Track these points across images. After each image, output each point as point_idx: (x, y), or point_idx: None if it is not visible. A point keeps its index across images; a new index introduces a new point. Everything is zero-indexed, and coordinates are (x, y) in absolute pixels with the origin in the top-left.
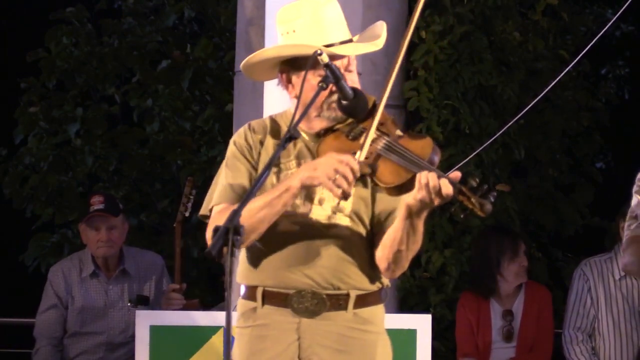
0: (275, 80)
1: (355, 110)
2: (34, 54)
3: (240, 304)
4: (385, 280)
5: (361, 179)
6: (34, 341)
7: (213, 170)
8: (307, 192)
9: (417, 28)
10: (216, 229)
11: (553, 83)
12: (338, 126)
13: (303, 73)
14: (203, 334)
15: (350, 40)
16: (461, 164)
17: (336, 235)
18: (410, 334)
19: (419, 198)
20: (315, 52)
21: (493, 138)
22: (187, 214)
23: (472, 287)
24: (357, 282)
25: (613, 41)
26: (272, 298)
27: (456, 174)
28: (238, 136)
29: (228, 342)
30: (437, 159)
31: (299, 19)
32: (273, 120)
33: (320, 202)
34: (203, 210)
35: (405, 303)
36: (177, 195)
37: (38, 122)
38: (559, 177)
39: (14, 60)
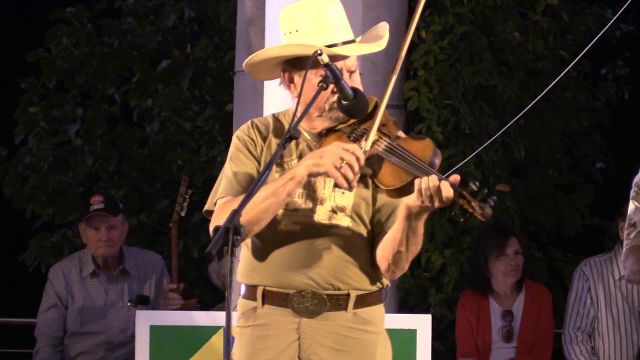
0: (276, 80)
1: (355, 110)
2: (34, 54)
3: (240, 304)
4: (386, 281)
5: (362, 180)
6: (35, 341)
7: (213, 170)
8: (309, 191)
9: (417, 28)
10: (216, 229)
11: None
12: (340, 126)
13: (304, 72)
14: (203, 334)
15: (353, 41)
16: (461, 164)
17: (337, 236)
18: (410, 334)
19: (419, 202)
20: (315, 52)
21: (493, 138)
22: (183, 214)
23: (471, 285)
24: (358, 282)
25: (613, 41)
26: (273, 298)
27: (455, 177)
28: (241, 131)
29: (228, 342)
30: (437, 161)
31: (302, 18)
32: (276, 119)
33: (322, 202)
34: (208, 206)
35: (405, 303)
36: (177, 195)
37: (38, 122)
38: (559, 177)
39: (14, 60)
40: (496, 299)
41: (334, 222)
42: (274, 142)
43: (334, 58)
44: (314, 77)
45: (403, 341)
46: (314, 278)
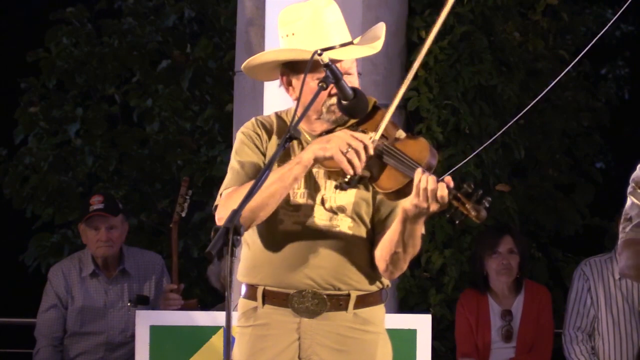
0: (276, 81)
1: (355, 110)
2: (34, 54)
3: (241, 304)
4: (386, 281)
5: (362, 182)
6: (35, 341)
7: (213, 170)
8: (310, 192)
9: (416, 28)
10: (216, 229)
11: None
12: (339, 128)
13: (302, 76)
14: (203, 334)
15: (351, 43)
16: (461, 164)
17: (337, 236)
18: (410, 334)
19: (415, 203)
20: (315, 52)
21: (493, 138)
22: (183, 214)
23: (470, 284)
24: (358, 282)
25: (613, 41)
26: (273, 298)
27: (448, 180)
28: (246, 127)
29: (228, 342)
30: (434, 162)
31: (299, 21)
32: (279, 117)
33: (323, 203)
34: (217, 201)
35: (405, 303)
36: (177, 195)
37: (38, 122)
38: (559, 177)
39: (14, 60)
40: (495, 298)
41: (334, 222)
42: (276, 140)
43: (331, 60)
44: (312, 81)
45: (403, 341)
46: (315, 278)
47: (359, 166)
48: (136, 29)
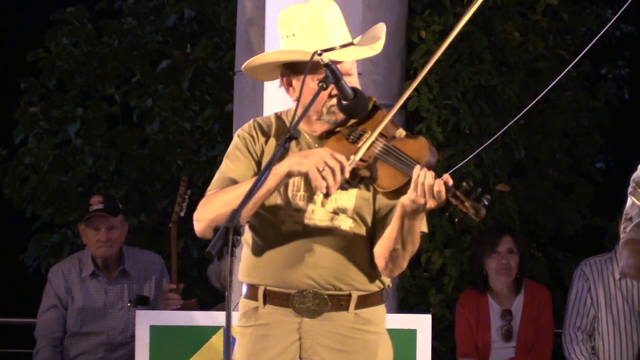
0: (276, 80)
1: (355, 110)
2: (34, 54)
3: (241, 304)
4: (387, 281)
5: (362, 182)
6: (35, 341)
7: (213, 170)
8: (310, 193)
9: (416, 28)
10: (216, 229)
11: (553, 83)
12: (339, 128)
13: (303, 77)
14: (203, 334)
15: (351, 43)
16: (461, 164)
17: (338, 236)
18: (410, 334)
19: (413, 198)
20: (315, 52)
21: (493, 138)
22: (182, 214)
23: (470, 284)
24: (359, 283)
25: (613, 41)
26: (274, 298)
27: (447, 177)
28: (242, 130)
29: (228, 342)
30: (433, 160)
31: (299, 22)
32: (279, 118)
33: (323, 204)
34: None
35: (405, 303)
36: (177, 196)
37: (38, 122)
38: (559, 177)
39: (14, 60)
40: (495, 298)
41: (335, 223)
42: (275, 141)
43: (330, 62)
44: (311, 82)
45: (403, 341)
46: (315, 278)
47: (333, 186)
48: (136, 29)
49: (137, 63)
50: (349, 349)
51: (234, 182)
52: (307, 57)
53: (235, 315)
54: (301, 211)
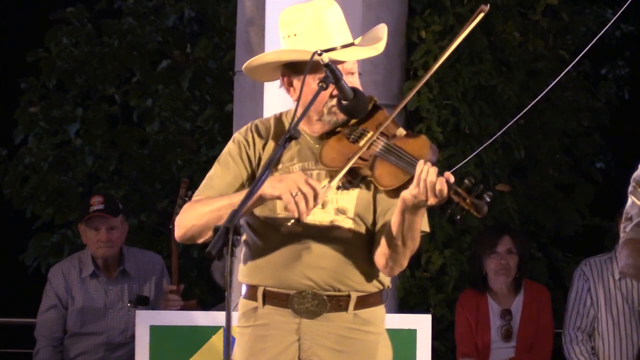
0: (276, 81)
1: (355, 110)
2: (34, 54)
3: (241, 304)
4: (387, 281)
5: (363, 181)
6: (35, 341)
7: None
8: None
9: (416, 28)
10: (216, 229)
11: (553, 83)
12: (339, 128)
13: (303, 77)
14: (203, 334)
15: (352, 44)
16: (461, 164)
17: (338, 237)
18: (410, 334)
19: (414, 193)
20: (315, 52)
21: (493, 138)
22: None
23: (470, 284)
24: (358, 284)
25: (613, 41)
26: (273, 298)
27: (449, 174)
28: (239, 133)
29: (228, 342)
30: (434, 158)
31: (300, 22)
32: (278, 120)
33: (324, 205)
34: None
35: (405, 303)
36: (177, 195)
37: (38, 122)
38: (559, 177)
39: (14, 60)
40: (495, 298)
41: (336, 224)
42: (274, 144)
43: (332, 62)
44: (312, 81)
45: (403, 341)
46: (314, 279)
47: (304, 212)
48: (136, 29)
49: (137, 63)
50: (348, 350)
51: (216, 190)
52: (308, 57)
53: (235, 316)
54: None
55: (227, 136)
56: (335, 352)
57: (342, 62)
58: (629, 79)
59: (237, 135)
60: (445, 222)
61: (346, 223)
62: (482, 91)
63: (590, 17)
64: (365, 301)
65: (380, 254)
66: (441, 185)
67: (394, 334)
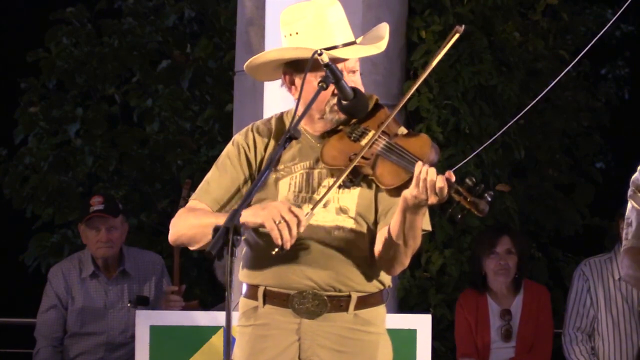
0: (277, 80)
1: (356, 109)
2: (34, 54)
3: (241, 303)
4: (387, 281)
5: (365, 180)
6: (35, 341)
7: None
8: (311, 194)
9: (416, 28)
10: (216, 229)
11: (553, 83)
12: (341, 127)
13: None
14: (203, 334)
15: (354, 42)
16: (461, 164)
17: (339, 237)
18: (410, 334)
19: (415, 193)
20: (315, 52)
21: (493, 138)
22: None
23: (469, 284)
24: (359, 284)
25: (613, 41)
26: (273, 298)
27: (450, 173)
28: (240, 135)
29: (228, 342)
30: (435, 157)
31: (302, 20)
32: (279, 120)
33: (325, 204)
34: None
35: (405, 303)
36: (177, 195)
37: (38, 122)
38: (559, 177)
39: (14, 60)
40: (494, 298)
41: (337, 224)
42: (275, 144)
43: (334, 60)
44: (314, 80)
45: (403, 341)
46: (315, 279)
47: (288, 240)
48: (136, 29)
49: (137, 63)
50: (349, 350)
51: (212, 195)
52: (310, 54)
53: (235, 315)
54: (303, 211)
55: (227, 136)
56: (336, 353)
57: (343, 60)
58: (629, 79)
59: (237, 138)
60: (446, 222)
61: (348, 223)
62: (482, 91)
63: (590, 17)
64: (365, 301)
65: (381, 253)
66: (442, 183)
67: (394, 334)
